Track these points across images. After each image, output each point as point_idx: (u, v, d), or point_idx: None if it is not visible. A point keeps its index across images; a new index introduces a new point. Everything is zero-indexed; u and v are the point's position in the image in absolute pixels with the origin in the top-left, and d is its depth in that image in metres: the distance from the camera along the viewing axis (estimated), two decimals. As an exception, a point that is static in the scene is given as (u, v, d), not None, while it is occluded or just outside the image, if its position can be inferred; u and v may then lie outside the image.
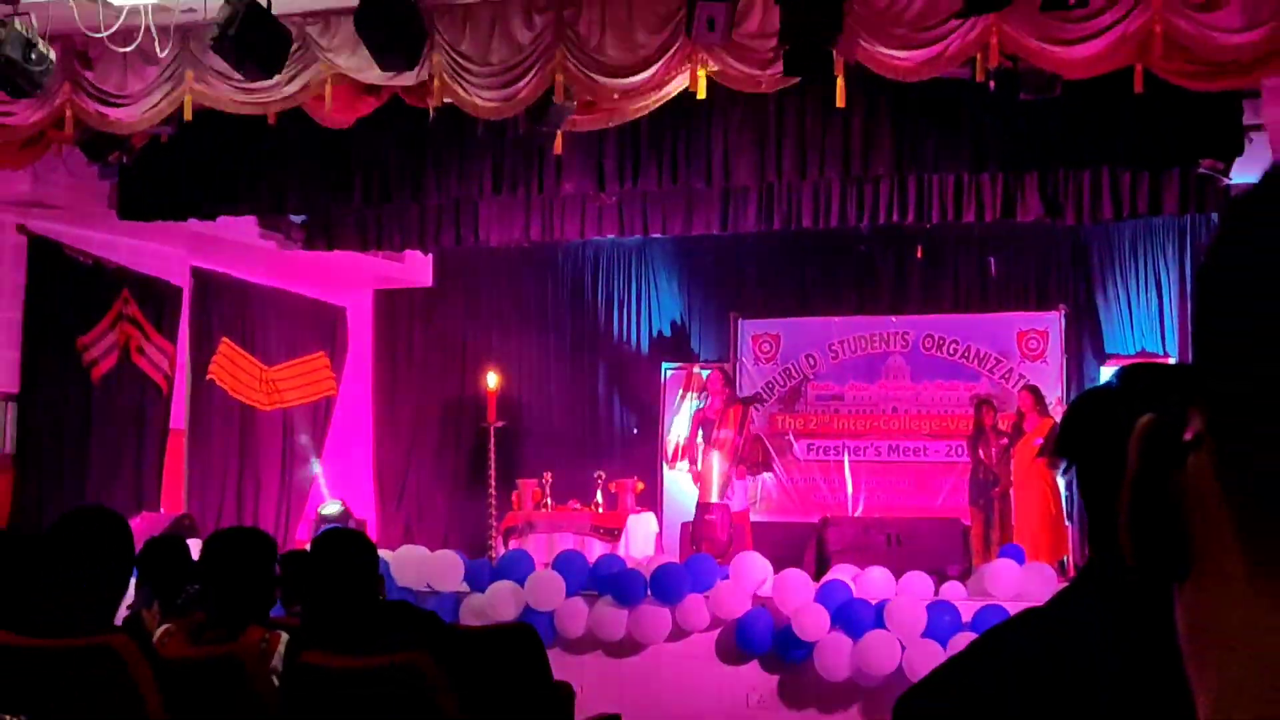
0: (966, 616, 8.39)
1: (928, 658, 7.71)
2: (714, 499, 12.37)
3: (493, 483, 12.80)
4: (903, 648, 8.43)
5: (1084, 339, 13.28)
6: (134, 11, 8.11)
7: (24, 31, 7.98)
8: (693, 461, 13.10)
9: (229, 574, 5.34)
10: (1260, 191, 0.64)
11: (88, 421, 11.80)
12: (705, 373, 13.79)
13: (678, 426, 13.77)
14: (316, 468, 14.04)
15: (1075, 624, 1.90)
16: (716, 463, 12.71)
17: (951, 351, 13.38)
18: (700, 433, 12.98)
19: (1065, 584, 2.06)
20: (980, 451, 12.26)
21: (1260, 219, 0.64)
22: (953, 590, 9.05)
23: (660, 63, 7.95)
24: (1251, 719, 0.63)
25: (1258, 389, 0.62)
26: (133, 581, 5.59)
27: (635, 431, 14.63)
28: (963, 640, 6.71)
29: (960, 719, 1.88)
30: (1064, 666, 1.84)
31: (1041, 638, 1.94)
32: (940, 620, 8.49)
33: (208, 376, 13.08)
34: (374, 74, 8.14)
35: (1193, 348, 0.67)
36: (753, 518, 12.81)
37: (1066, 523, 11.16)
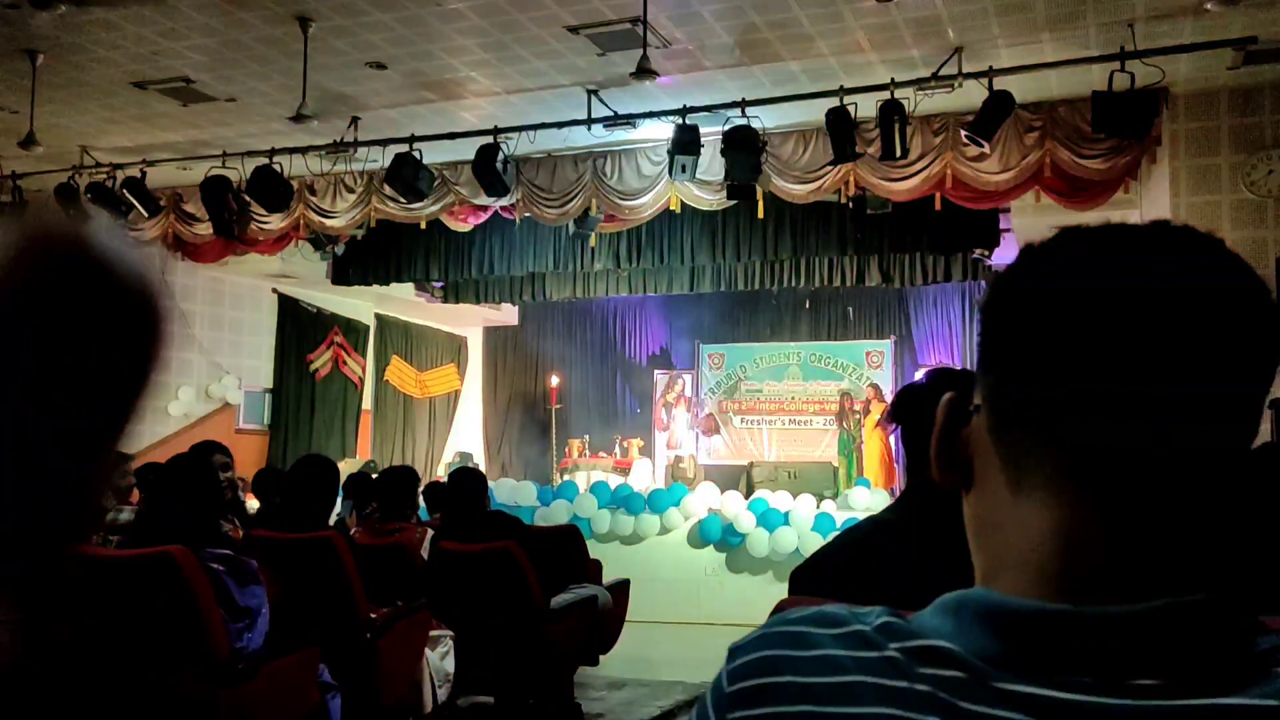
0: (837, 521, 8.37)
1: (814, 543, 7.69)
2: (685, 452, 12.42)
3: (553, 440, 12.79)
4: (799, 537, 8.42)
5: (905, 356, 13.25)
6: (339, 161, 8.13)
7: (271, 172, 7.99)
8: (668, 427, 13.27)
9: (392, 494, 5.34)
10: (1009, 270, 0.67)
11: (312, 405, 11.80)
12: (684, 377, 13.81)
13: (661, 408, 13.80)
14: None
15: (898, 523, 1.90)
16: (683, 431, 13.03)
17: (826, 364, 13.34)
18: (669, 415, 13.27)
19: (893, 500, 2.05)
20: (844, 423, 12.24)
21: (1006, 289, 0.66)
22: (828, 505, 9.02)
23: (653, 191, 7.94)
24: (1009, 579, 0.63)
25: (1009, 385, 0.64)
26: (339, 500, 5.58)
27: (638, 411, 14.58)
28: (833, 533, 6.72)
29: (828, 580, 1.88)
30: (890, 548, 1.83)
31: (877, 531, 1.94)
32: (821, 522, 8.47)
33: (384, 378, 13.07)
34: (483, 199, 8.13)
35: (977, 359, 0.69)
36: (709, 462, 12.79)
37: (895, 465, 11.13)
